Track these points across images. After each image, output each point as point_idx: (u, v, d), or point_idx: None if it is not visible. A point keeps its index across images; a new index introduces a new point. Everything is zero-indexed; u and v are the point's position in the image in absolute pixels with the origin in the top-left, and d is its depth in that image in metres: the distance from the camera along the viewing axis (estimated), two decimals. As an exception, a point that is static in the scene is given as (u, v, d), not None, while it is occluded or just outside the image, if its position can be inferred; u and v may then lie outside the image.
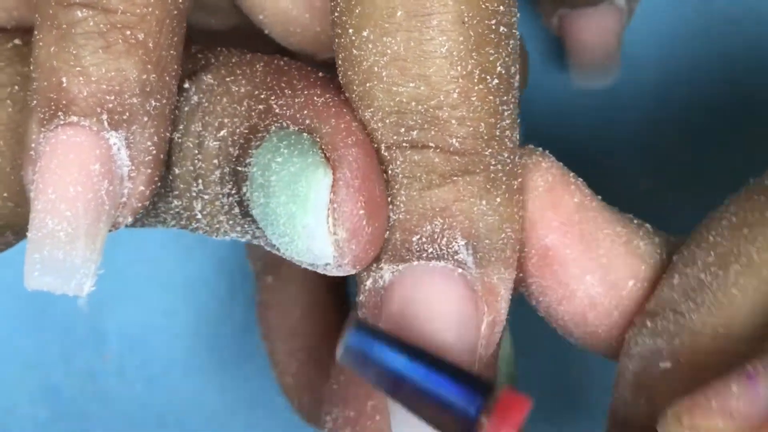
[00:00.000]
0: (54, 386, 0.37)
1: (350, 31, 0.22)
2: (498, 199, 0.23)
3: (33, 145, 0.22)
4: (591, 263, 0.24)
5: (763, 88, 0.37)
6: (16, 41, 0.25)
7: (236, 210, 0.23)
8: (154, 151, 0.23)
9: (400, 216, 0.23)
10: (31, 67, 0.23)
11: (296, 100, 0.23)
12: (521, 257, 0.24)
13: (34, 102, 0.23)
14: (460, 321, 0.22)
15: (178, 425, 0.37)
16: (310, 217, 0.22)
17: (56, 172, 0.22)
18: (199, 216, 0.24)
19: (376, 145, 0.23)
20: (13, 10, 0.25)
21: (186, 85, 0.24)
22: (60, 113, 0.22)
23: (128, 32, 0.22)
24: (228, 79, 0.24)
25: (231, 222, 0.23)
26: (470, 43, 0.22)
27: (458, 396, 0.21)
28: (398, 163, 0.22)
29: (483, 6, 0.22)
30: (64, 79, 0.22)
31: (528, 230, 0.24)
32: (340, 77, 0.23)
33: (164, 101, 0.23)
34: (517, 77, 0.23)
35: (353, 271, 0.22)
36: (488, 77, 0.22)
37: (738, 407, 0.20)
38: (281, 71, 0.23)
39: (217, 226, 0.24)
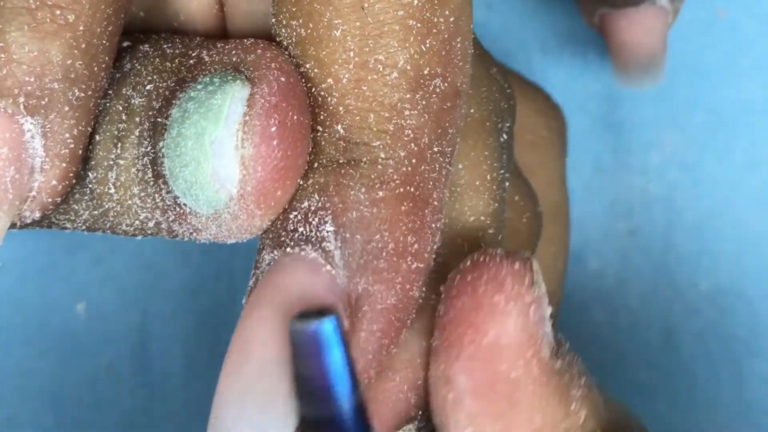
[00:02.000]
0: (54, 394, 0.37)
1: (272, 16, 0.22)
2: (380, 194, 0.21)
3: None
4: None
5: (764, 88, 0.37)
6: None
7: (149, 174, 0.22)
8: (72, 145, 0.22)
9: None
10: None
11: (227, 47, 0.22)
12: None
13: None
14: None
15: (179, 430, 0.37)
16: (221, 130, 0.20)
17: None
18: (112, 190, 0.22)
19: None
20: None
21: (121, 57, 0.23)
22: None
23: (58, 12, 0.21)
24: (164, 45, 0.23)
25: (142, 194, 0.22)
26: (367, 30, 0.21)
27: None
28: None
29: None
30: None
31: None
32: None
33: (89, 92, 0.22)
34: (441, 84, 0.22)
35: (257, 220, 0.21)
36: (385, 69, 0.21)
37: None
38: (227, 41, 0.23)
39: (129, 202, 0.22)
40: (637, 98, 0.37)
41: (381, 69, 0.21)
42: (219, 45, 0.22)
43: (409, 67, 0.21)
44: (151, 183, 0.22)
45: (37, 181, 0.21)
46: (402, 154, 0.21)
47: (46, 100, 0.21)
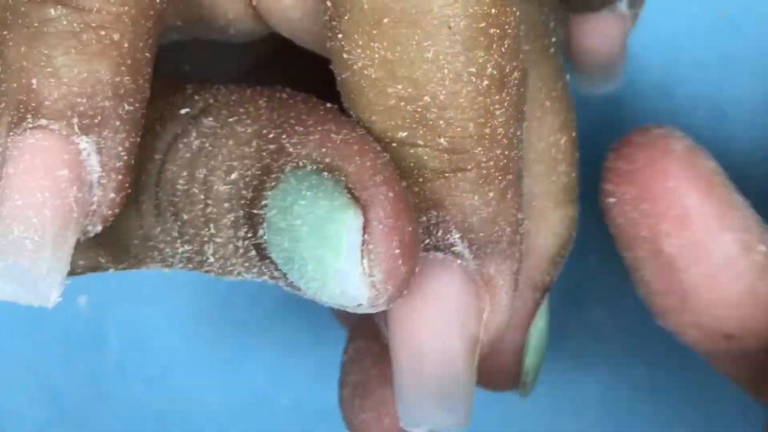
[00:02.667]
0: (54, 387, 0.37)
1: (339, 36, 0.22)
2: (491, 194, 0.23)
3: (0, 149, 0.22)
4: (729, 222, 0.25)
5: (765, 86, 0.37)
6: None
7: (252, 253, 0.22)
8: (125, 157, 0.22)
9: None
10: (0, 68, 0.22)
11: (310, 138, 0.22)
12: (653, 222, 0.25)
13: (2, 104, 0.22)
14: (462, 310, 0.23)
15: (180, 425, 0.37)
16: (343, 262, 0.21)
17: (23, 177, 0.21)
18: (212, 260, 0.23)
19: None
20: None
21: (184, 129, 0.23)
22: (29, 116, 0.22)
23: (103, 32, 0.22)
24: (231, 120, 0.23)
25: (246, 264, 0.23)
26: (456, 47, 0.22)
27: None
28: (394, 152, 0.23)
29: (471, 10, 0.22)
30: (34, 81, 0.22)
31: (668, 192, 0.25)
32: (336, 76, 0.23)
33: (137, 105, 0.22)
34: (517, 73, 0.23)
35: (385, 308, 0.22)
36: (477, 79, 0.22)
37: None
38: (287, 106, 0.23)
39: (231, 268, 0.23)
40: (637, 96, 0.37)
41: (474, 80, 0.22)
42: (298, 128, 0.22)
43: (495, 72, 0.22)
44: (257, 260, 0.22)
45: (96, 196, 0.22)
46: (498, 152, 0.23)
47: (99, 118, 0.22)
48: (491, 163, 0.23)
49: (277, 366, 0.37)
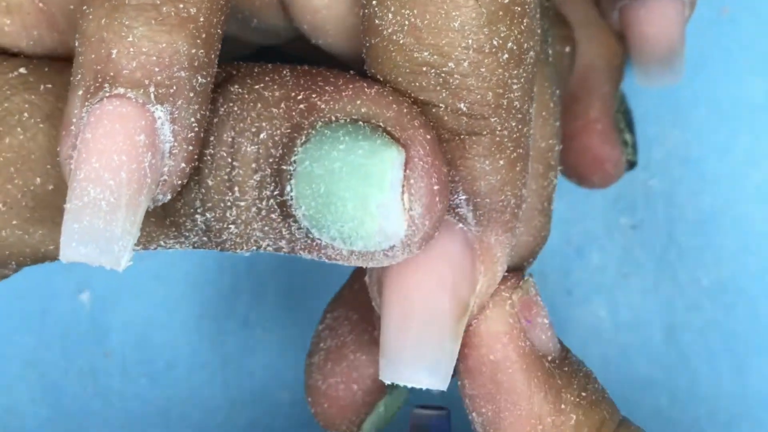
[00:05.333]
0: (55, 384, 0.37)
1: (374, 2, 0.23)
2: (501, 162, 0.24)
3: (74, 119, 0.22)
4: None
5: (765, 84, 0.37)
6: (21, 70, 0.24)
7: (275, 214, 0.23)
8: (196, 128, 0.23)
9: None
10: (77, 42, 0.22)
11: (343, 94, 0.23)
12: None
13: (78, 76, 0.22)
14: (457, 273, 0.24)
15: (181, 421, 0.37)
16: (386, 195, 0.22)
17: (101, 141, 0.22)
18: (232, 227, 0.23)
19: None
20: (33, 29, 0.25)
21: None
22: (106, 85, 0.22)
23: (181, 5, 0.22)
24: (257, 86, 0.24)
25: (266, 228, 0.23)
26: (482, 19, 0.23)
27: None
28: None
29: None
30: (113, 51, 0.22)
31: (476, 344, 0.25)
32: (363, 44, 0.24)
33: (209, 78, 0.23)
34: (532, 53, 0.24)
35: (413, 254, 0.23)
36: (498, 52, 0.23)
37: None
38: (311, 74, 0.24)
39: (248, 234, 0.23)
40: (639, 95, 0.37)
41: (495, 52, 0.23)
42: (328, 89, 0.23)
43: (515, 47, 0.23)
44: (279, 221, 0.23)
45: (167, 165, 0.23)
46: (513, 123, 0.24)
47: (174, 88, 0.22)
48: (505, 132, 0.24)
49: (278, 362, 0.37)
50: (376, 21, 0.24)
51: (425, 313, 0.24)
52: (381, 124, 0.23)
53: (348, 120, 0.23)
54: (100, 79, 0.22)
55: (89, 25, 0.22)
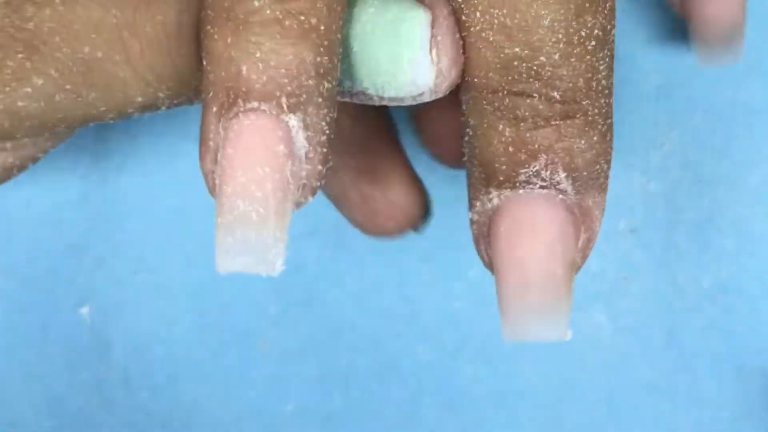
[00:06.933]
0: (58, 396, 0.37)
1: (460, 0, 0.25)
2: (595, 138, 0.26)
3: (211, 135, 0.24)
4: None
5: (763, 87, 0.37)
6: None
7: None
8: (327, 131, 0.24)
9: (510, 149, 0.26)
10: (204, 61, 0.24)
11: None
12: None
13: (210, 93, 0.24)
14: (564, 239, 0.26)
15: (185, 430, 0.37)
16: (416, 52, 0.24)
17: (243, 155, 0.24)
18: None
19: (484, 92, 0.25)
20: None
21: None
22: (239, 100, 0.24)
23: (302, 17, 0.24)
24: None
25: None
26: (570, 14, 0.25)
27: None
28: (506, 103, 0.25)
29: None
30: (243, 68, 0.23)
31: None
32: None
33: (334, 82, 0.24)
34: (614, 31, 0.26)
35: (439, 97, 0.25)
36: (586, 41, 0.25)
37: None
38: None
39: None
40: (637, 97, 0.37)
41: (584, 42, 0.25)
42: None
43: (601, 33, 0.25)
44: None
45: (305, 170, 0.24)
46: (602, 101, 0.25)
47: (304, 96, 0.24)
48: (596, 110, 0.25)
49: (280, 373, 0.37)
50: (462, 17, 0.25)
51: (541, 279, 0.25)
52: None
53: None
54: (232, 96, 0.24)
55: (215, 45, 0.24)
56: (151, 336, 0.37)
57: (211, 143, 0.24)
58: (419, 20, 0.25)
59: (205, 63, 0.24)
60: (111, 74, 0.25)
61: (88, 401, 0.37)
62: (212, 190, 0.24)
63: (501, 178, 0.26)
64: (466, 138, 0.27)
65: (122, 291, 0.37)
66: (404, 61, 0.25)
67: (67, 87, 0.25)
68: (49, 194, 0.37)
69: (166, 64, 0.25)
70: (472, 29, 0.25)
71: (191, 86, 0.26)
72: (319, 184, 0.25)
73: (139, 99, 0.26)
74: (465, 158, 0.27)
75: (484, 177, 0.26)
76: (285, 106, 0.24)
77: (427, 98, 0.25)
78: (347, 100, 0.25)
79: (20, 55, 0.25)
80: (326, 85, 0.24)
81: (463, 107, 0.26)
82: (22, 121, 0.26)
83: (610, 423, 0.37)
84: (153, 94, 0.26)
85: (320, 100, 0.24)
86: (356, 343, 0.37)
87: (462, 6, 0.25)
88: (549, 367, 0.37)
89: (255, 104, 0.23)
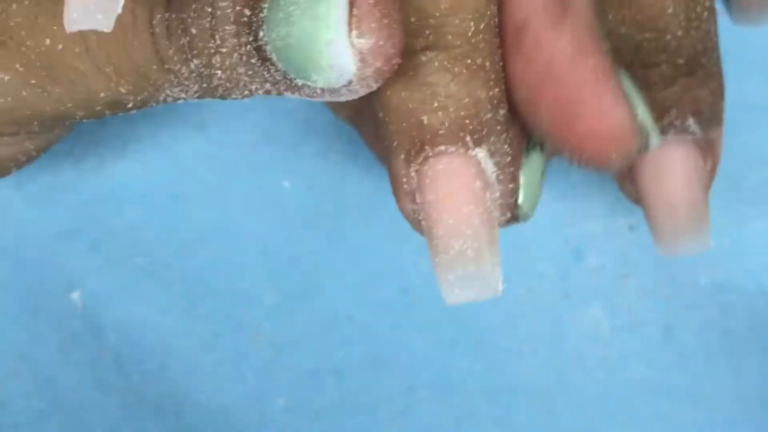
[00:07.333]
0: (49, 380, 0.37)
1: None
2: (713, 85, 0.29)
3: (404, 179, 0.26)
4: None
5: (762, 86, 0.37)
6: None
7: (254, 59, 0.24)
8: (510, 151, 0.26)
9: (652, 94, 0.29)
10: (381, 113, 0.26)
11: None
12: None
13: (395, 142, 0.26)
14: (696, 171, 0.30)
15: (175, 417, 0.37)
16: (332, 33, 0.24)
17: (447, 200, 0.25)
18: (219, 73, 0.25)
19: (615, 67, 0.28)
20: None
21: None
22: (426, 147, 0.25)
23: (469, 61, 0.25)
24: None
25: (250, 72, 0.25)
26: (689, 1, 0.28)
27: None
28: (638, 74, 0.28)
29: None
30: (424, 118, 0.25)
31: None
32: None
33: (505, 107, 0.26)
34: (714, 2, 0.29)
35: (374, 87, 0.24)
36: (702, 14, 0.28)
37: None
38: None
39: (237, 78, 0.25)
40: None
41: (699, 15, 0.28)
42: None
43: (710, 3, 0.29)
44: (258, 65, 0.25)
45: (498, 191, 0.26)
46: (715, 54, 0.29)
47: (485, 129, 0.26)
48: (711, 62, 0.29)
49: (271, 367, 0.37)
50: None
51: (685, 204, 0.30)
52: None
53: None
54: (418, 143, 0.25)
55: (390, 98, 0.25)
56: (143, 323, 0.37)
57: (406, 186, 0.26)
58: (336, 0, 0.24)
59: (381, 113, 0.26)
60: (72, 67, 0.25)
61: (79, 383, 0.37)
62: (416, 228, 0.26)
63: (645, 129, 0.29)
64: None
65: (115, 276, 0.37)
66: (321, 43, 0.24)
67: (33, 82, 0.26)
68: (42, 177, 0.37)
69: (122, 56, 0.25)
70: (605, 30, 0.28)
71: (149, 80, 0.26)
72: (512, 200, 0.27)
73: (102, 94, 0.26)
74: None
75: None
76: (471, 143, 0.25)
77: (359, 89, 0.24)
78: (304, 98, 0.25)
79: None
80: (501, 112, 0.26)
81: None
82: None
83: (606, 419, 0.37)
84: (114, 88, 0.26)
85: (499, 127, 0.26)
86: (351, 335, 0.37)
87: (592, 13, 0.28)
88: (545, 363, 0.37)
89: (443, 148, 0.25)
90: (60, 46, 0.25)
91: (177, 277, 0.37)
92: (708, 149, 0.31)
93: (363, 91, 0.24)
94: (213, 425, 0.37)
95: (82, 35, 0.25)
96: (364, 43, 0.24)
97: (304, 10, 0.23)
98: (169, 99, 0.26)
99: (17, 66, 0.25)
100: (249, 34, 0.24)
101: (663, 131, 0.30)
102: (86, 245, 0.37)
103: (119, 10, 0.22)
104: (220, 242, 0.37)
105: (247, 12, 0.24)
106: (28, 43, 0.25)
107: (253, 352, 0.37)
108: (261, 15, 0.24)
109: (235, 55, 0.25)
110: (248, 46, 0.24)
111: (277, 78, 0.25)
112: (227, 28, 0.24)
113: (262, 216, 0.37)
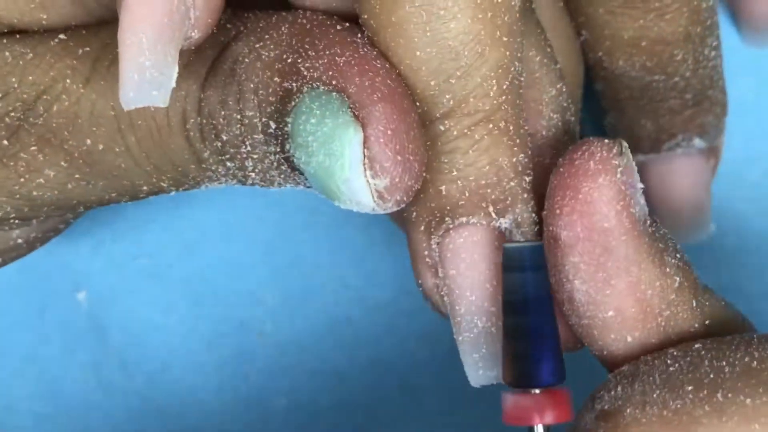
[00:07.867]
0: (53, 381, 0.37)
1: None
2: (718, 109, 0.32)
3: (425, 252, 0.24)
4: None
5: (759, 85, 0.37)
6: (62, 36, 0.25)
7: (285, 166, 0.24)
8: (537, 219, 0.24)
9: (652, 135, 0.31)
10: None
11: (320, 62, 0.23)
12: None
13: (414, 213, 0.24)
14: (703, 175, 0.32)
15: (179, 419, 0.37)
16: (347, 173, 0.23)
17: (469, 274, 0.24)
18: (253, 174, 0.24)
19: (627, 99, 0.32)
20: (62, 8, 0.26)
21: (218, 56, 0.24)
22: (447, 218, 0.24)
23: (490, 125, 0.24)
24: (257, 45, 0.24)
25: (282, 176, 0.24)
26: (696, 45, 0.30)
27: (548, 356, 0.24)
28: (647, 108, 0.31)
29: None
30: (442, 188, 0.24)
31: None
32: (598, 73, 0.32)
33: (532, 171, 0.24)
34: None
35: (398, 208, 0.24)
36: (708, 54, 0.31)
37: None
38: (305, 31, 0.24)
39: (271, 179, 0.25)
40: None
41: (707, 56, 0.31)
42: (311, 53, 0.23)
43: (716, 42, 0.32)
44: (289, 172, 0.24)
45: (521, 233, 0.25)
46: (720, 83, 0.33)
47: (509, 199, 0.24)
48: (716, 91, 0.31)
49: (273, 367, 0.37)
50: (604, 64, 0.31)
51: (690, 203, 0.32)
52: (347, 98, 0.23)
53: (323, 89, 0.23)
54: (438, 214, 0.24)
55: None
56: (147, 323, 0.37)
57: (428, 260, 0.24)
58: (348, 139, 0.23)
59: None
60: (114, 165, 0.25)
61: (85, 383, 0.37)
62: (437, 305, 0.25)
63: (645, 149, 0.32)
64: (610, 122, 0.33)
65: (117, 278, 0.37)
66: (338, 181, 0.23)
67: (77, 176, 0.25)
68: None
69: (161, 156, 0.25)
70: (616, 71, 0.30)
71: (188, 177, 0.26)
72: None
73: (145, 188, 0.26)
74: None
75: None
76: (493, 213, 0.24)
77: (383, 211, 0.24)
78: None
79: (33, 148, 0.25)
80: (526, 179, 0.24)
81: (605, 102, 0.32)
82: (39, 207, 0.26)
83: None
84: (156, 183, 0.26)
85: (525, 195, 0.24)
86: (353, 338, 0.37)
87: (603, 57, 0.30)
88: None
89: (464, 219, 0.24)
90: (101, 146, 0.25)
91: (180, 278, 0.37)
92: (711, 153, 0.33)
93: (391, 210, 0.24)
94: (215, 425, 0.37)
95: (122, 136, 0.25)
96: (380, 183, 0.23)
97: (320, 144, 0.23)
98: (211, 186, 0.26)
99: (62, 162, 0.25)
100: (277, 144, 0.24)
101: (670, 149, 0.32)
102: (91, 246, 0.37)
103: (173, 84, 0.22)
104: (223, 243, 0.37)
105: (273, 125, 0.24)
106: (71, 142, 0.25)
107: (255, 353, 0.37)
108: (286, 129, 0.23)
109: (266, 161, 0.24)
110: (277, 155, 0.24)
111: (309, 186, 0.24)
112: (256, 137, 0.24)
113: (264, 217, 0.37)
